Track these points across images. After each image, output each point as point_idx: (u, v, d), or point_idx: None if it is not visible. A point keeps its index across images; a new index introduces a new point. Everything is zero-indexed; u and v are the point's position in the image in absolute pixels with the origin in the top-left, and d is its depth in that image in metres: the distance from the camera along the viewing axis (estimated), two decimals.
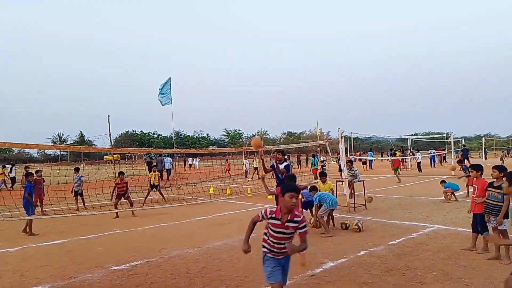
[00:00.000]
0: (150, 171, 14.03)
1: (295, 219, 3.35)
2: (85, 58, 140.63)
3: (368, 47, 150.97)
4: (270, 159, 26.31)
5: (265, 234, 3.51)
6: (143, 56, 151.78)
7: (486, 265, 5.36)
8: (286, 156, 8.90)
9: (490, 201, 5.61)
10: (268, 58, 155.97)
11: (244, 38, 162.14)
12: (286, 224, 3.34)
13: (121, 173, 11.89)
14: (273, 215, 3.41)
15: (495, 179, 5.67)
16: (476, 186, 5.96)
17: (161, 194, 13.79)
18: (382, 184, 17.40)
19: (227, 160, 29.79)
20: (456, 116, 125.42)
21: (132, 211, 10.99)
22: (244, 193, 15.64)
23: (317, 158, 22.86)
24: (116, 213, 10.63)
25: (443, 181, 11.78)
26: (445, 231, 7.45)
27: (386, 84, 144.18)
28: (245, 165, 25.62)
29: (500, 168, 5.66)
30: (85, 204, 12.51)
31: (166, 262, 6.11)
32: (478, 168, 6.07)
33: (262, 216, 3.47)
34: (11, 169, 22.25)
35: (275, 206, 3.50)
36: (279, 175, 8.06)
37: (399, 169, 20.04)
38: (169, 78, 22.20)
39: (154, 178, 13.87)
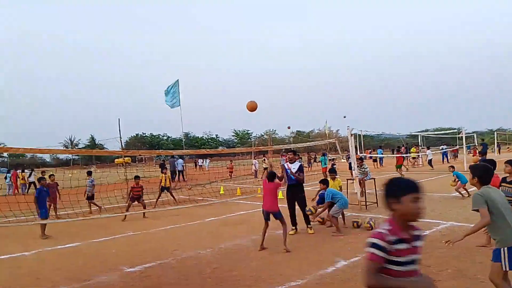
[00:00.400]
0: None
1: (418, 232, 2.15)
2: (94, 61, 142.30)
3: (379, 44, 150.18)
4: (281, 156, 26.41)
5: (381, 278, 2.01)
6: (152, 58, 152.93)
7: None
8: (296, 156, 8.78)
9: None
10: (270, 58, 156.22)
11: (256, 41, 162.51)
12: (414, 243, 2.09)
13: (137, 177, 11.98)
14: (395, 237, 2.04)
15: (507, 174, 5.58)
16: None
17: (172, 195, 13.87)
18: None
19: (231, 161, 29.55)
20: (468, 111, 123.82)
21: (144, 213, 11.07)
22: (254, 193, 15.65)
23: (326, 157, 22.80)
24: (125, 215, 10.72)
25: (452, 167, 11.63)
26: (459, 227, 7.35)
27: (396, 80, 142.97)
28: (255, 165, 25.66)
29: None
30: (99, 207, 12.64)
31: (179, 263, 6.16)
32: (491, 163, 5.98)
33: (382, 247, 2.01)
34: (30, 174, 22.55)
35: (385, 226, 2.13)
36: (292, 176, 7.97)
37: (403, 166, 20.03)
38: (177, 80, 22.32)
39: (165, 180, 13.97)
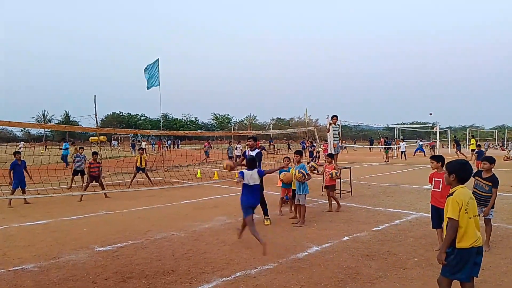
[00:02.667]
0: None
1: None
2: (72, 38, 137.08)
3: (359, 42, 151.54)
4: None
5: None
6: (131, 38, 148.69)
7: None
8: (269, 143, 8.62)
9: (477, 191, 5.52)
10: (261, 48, 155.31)
11: (238, 29, 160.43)
12: None
13: (94, 153, 11.74)
14: None
15: (482, 169, 5.64)
16: (440, 180, 5.48)
17: (147, 176, 13.69)
18: (368, 172, 17.63)
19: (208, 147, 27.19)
20: (442, 107, 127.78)
21: (105, 193, 10.79)
22: (231, 177, 15.63)
23: (304, 145, 23.04)
24: (81, 196, 10.49)
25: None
26: (428, 218, 7.52)
27: (375, 76, 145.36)
28: (238, 149, 25.64)
29: (491, 160, 5.60)
30: (74, 184, 12.37)
31: (152, 244, 6.10)
32: (440, 159, 5.74)
33: None
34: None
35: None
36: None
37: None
38: (157, 59, 21.76)
39: (141, 160, 13.77)
